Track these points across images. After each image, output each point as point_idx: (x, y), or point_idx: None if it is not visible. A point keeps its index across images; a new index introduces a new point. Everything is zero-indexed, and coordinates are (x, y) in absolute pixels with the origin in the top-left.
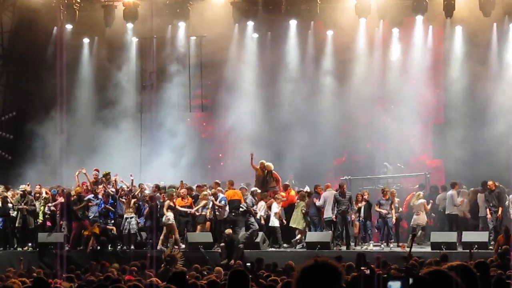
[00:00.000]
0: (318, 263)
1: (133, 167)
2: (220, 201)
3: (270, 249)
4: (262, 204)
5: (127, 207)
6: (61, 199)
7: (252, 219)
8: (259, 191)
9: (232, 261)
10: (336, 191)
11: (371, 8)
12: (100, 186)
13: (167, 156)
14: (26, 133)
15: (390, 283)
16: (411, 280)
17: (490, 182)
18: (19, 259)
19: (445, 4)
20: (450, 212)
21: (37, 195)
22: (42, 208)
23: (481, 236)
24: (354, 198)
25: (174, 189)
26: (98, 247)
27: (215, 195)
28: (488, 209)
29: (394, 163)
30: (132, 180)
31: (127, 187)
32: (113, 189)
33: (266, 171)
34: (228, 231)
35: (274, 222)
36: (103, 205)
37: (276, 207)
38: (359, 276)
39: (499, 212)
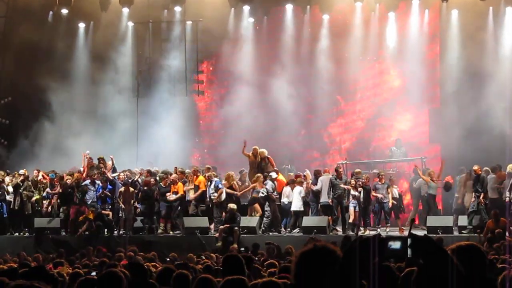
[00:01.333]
0: (316, 247)
1: (129, 151)
2: (216, 186)
3: (267, 234)
4: (287, 189)
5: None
6: (58, 185)
7: (267, 207)
8: (279, 176)
9: (236, 245)
10: (332, 175)
11: None
12: (96, 171)
13: (163, 140)
14: (22, 118)
15: (391, 243)
16: (409, 240)
17: (476, 167)
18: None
19: None
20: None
21: (36, 179)
22: (40, 193)
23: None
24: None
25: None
26: (87, 232)
27: (209, 179)
28: (473, 194)
29: (399, 147)
30: (112, 160)
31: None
32: (113, 174)
33: (260, 157)
34: (232, 205)
35: (298, 206)
36: (101, 190)
37: (300, 191)
38: (355, 240)
39: (481, 197)
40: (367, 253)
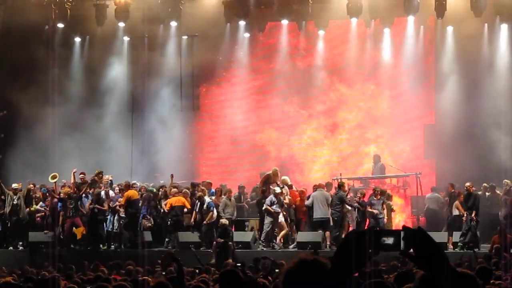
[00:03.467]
0: (302, 261)
1: (124, 165)
2: (208, 207)
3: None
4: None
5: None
6: (51, 198)
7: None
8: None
9: (230, 260)
10: (338, 192)
11: (363, 8)
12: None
13: (157, 155)
14: (16, 132)
15: (384, 238)
16: (402, 233)
17: (468, 184)
18: None
19: (437, 4)
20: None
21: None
22: (34, 206)
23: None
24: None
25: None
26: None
27: (200, 200)
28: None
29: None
30: (74, 174)
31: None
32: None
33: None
34: (223, 220)
35: None
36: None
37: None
38: (351, 234)
39: (473, 214)
40: (363, 245)
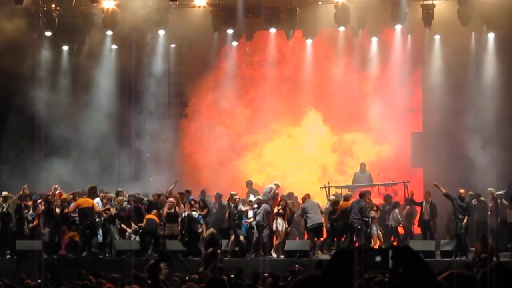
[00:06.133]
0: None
1: (111, 175)
2: (198, 221)
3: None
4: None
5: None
6: (42, 206)
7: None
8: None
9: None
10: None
11: (351, 17)
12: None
13: (145, 163)
14: (3, 142)
15: (373, 255)
16: (390, 252)
17: (462, 190)
18: None
19: (424, 13)
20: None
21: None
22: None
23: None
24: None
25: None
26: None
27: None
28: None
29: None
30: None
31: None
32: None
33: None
34: (212, 229)
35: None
36: None
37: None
38: (340, 252)
39: (464, 221)
40: (351, 264)
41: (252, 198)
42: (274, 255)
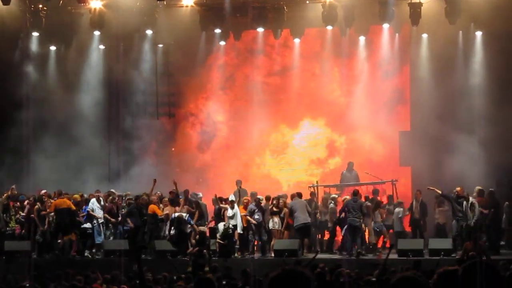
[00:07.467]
0: (285, 271)
1: (101, 176)
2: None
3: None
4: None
5: None
6: (29, 207)
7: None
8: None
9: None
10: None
11: (338, 16)
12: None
13: (133, 164)
14: None
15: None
16: None
17: (458, 188)
18: None
19: (411, 12)
20: None
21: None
22: (12, 217)
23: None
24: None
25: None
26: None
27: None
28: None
29: (350, 171)
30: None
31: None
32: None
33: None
34: (202, 228)
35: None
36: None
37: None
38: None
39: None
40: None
41: (232, 197)
42: (273, 255)
